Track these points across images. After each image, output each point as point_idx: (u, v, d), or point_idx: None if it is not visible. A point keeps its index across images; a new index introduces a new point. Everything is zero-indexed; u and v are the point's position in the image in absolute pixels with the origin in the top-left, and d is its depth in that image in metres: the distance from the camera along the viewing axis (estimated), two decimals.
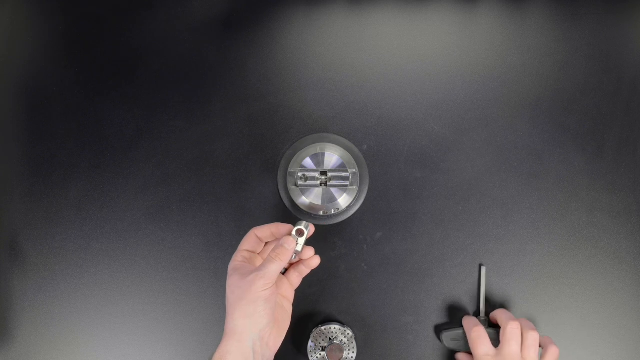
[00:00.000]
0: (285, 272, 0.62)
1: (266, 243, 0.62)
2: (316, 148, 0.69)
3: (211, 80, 0.72)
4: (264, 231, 0.61)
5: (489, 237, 0.70)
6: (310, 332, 0.67)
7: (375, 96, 0.72)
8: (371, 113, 0.71)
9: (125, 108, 0.71)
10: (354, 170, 0.68)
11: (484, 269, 0.69)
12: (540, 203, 0.70)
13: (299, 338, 0.69)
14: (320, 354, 0.67)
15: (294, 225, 0.59)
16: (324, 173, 0.68)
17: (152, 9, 0.73)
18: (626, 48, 0.73)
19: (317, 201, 0.67)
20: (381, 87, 0.72)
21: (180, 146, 0.71)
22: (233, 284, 0.56)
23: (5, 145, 0.70)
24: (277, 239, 0.60)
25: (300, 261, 0.61)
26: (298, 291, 0.62)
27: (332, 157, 0.68)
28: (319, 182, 0.67)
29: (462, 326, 0.67)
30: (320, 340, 0.67)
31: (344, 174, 0.67)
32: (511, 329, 0.62)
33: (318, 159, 0.68)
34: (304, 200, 0.68)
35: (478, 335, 0.63)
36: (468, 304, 0.69)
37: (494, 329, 0.65)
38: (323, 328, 0.67)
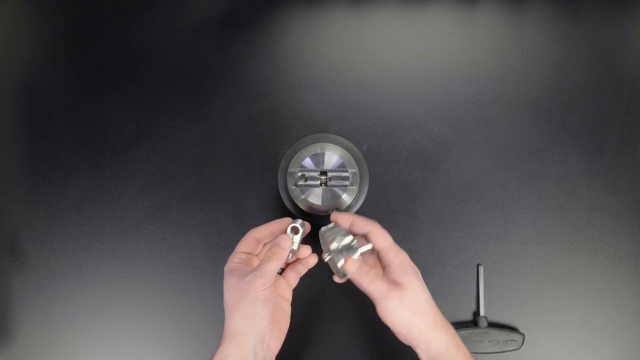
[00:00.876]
0: (282, 272, 0.62)
1: (265, 244, 0.62)
2: (316, 148, 0.69)
3: (211, 80, 0.72)
4: (263, 231, 0.60)
5: (489, 237, 0.70)
6: None
7: (375, 96, 0.72)
8: (371, 113, 0.71)
9: (125, 108, 0.71)
10: (354, 170, 0.68)
11: (481, 269, 0.69)
12: (540, 203, 0.70)
13: (301, 340, 0.69)
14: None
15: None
16: (324, 173, 0.68)
17: (152, 9, 0.73)
18: (626, 48, 0.73)
19: (317, 201, 0.67)
20: (381, 87, 0.72)
21: (180, 146, 0.71)
22: (231, 285, 0.56)
23: (5, 145, 0.70)
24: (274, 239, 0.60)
25: (297, 260, 0.60)
26: (298, 292, 0.62)
27: (332, 157, 0.68)
28: (319, 182, 0.67)
29: (462, 327, 0.67)
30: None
31: (344, 174, 0.67)
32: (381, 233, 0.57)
33: (318, 159, 0.68)
34: (304, 200, 0.68)
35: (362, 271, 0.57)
36: (468, 304, 0.69)
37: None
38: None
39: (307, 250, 0.60)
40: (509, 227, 0.70)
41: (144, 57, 0.72)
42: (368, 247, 0.56)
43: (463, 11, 0.74)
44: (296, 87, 0.72)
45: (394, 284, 0.55)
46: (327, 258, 0.58)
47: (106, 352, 0.68)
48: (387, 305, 0.54)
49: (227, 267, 0.58)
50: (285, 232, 0.59)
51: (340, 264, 0.55)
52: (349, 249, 0.55)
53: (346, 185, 0.67)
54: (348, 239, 0.56)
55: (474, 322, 0.68)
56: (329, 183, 0.67)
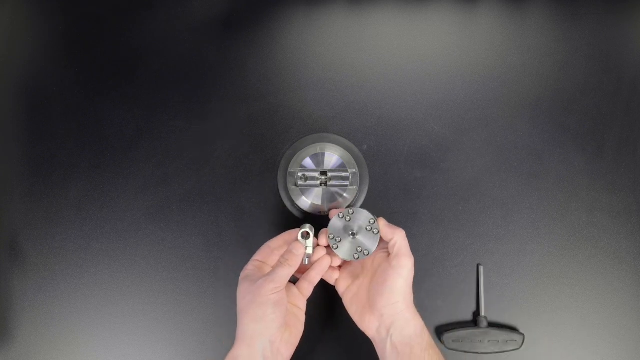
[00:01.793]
0: (296, 282, 0.62)
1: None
2: (316, 148, 0.69)
3: (211, 80, 0.72)
4: (277, 241, 0.62)
5: (489, 237, 0.70)
6: None
7: (375, 96, 0.72)
8: (371, 113, 0.71)
9: (125, 108, 0.71)
10: (354, 170, 0.68)
11: (481, 269, 0.69)
12: (540, 203, 0.70)
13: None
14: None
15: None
16: (324, 173, 0.68)
17: (152, 9, 0.73)
18: (626, 48, 0.73)
19: (317, 201, 0.67)
20: (381, 87, 0.72)
21: (180, 146, 0.71)
22: (244, 290, 0.57)
23: (5, 145, 0.70)
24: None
25: (310, 268, 0.61)
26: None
27: (332, 157, 0.68)
28: (319, 182, 0.67)
29: (462, 327, 0.67)
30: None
31: (344, 174, 0.68)
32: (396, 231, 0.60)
33: (318, 159, 0.68)
34: (304, 200, 0.68)
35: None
36: (468, 304, 0.69)
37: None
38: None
39: (322, 251, 0.61)
40: (509, 227, 0.70)
41: (144, 57, 0.72)
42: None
43: (463, 11, 0.74)
44: (296, 87, 0.72)
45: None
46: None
47: (106, 352, 0.68)
48: (399, 239, 0.58)
49: (242, 274, 0.59)
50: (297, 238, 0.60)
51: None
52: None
53: (346, 185, 0.67)
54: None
55: (474, 322, 0.68)
56: (329, 183, 0.67)
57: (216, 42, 0.73)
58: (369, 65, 0.72)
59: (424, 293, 0.69)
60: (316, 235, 0.61)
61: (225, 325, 0.68)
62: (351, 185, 0.68)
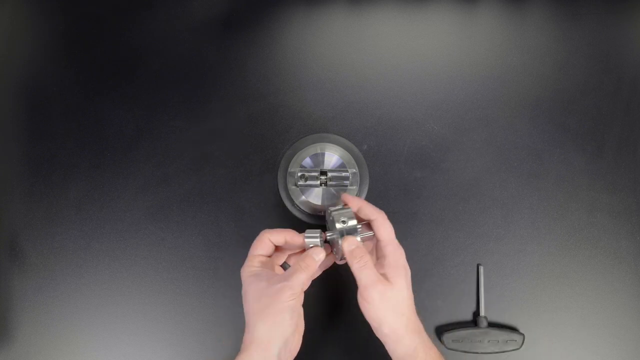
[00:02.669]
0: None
1: (276, 247, 0.61)
2: (316, 148, 0.69)
3: (211, 80, 0.72)
4: (277, 235, 0.59)
5: (489, 237, 0.70)
6: None
7: (375, 96, 0.72)
8: (371, 113, 0.71)
9: (125, 108, 0.71)
10: (354, 170, 0.68)
11: (481, 269, 0.69)
12: (540, 203, 0.70)
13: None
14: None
15: (306, 233, 0.59)
16: (324, 173, 0.68)
17: (152, 9, 0.73)
18: (626, 48, 0.73)
19: (317, 201, 0.67)
20: (381, 87, 0.72)
21: (180, 146, 0.71)
22: (257, 291, 0.55)
23: (5, 145, 0.70)
24: (288, 246, 0.60)
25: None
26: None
27: (332, 157, 0.68)
28: (319, 182, 0.67)
29: (462, 327, 0.67)
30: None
31: (344, 174, 0.68)
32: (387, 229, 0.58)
33: (318, 159, 0.68)
34: (304, 200, 0.68)
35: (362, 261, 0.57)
36: (468, 304, 0.69)
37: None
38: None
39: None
40: (509, 227, 0.70)
41: (144, 57, 0.72)
42: (369, 234, 0.58)
43: (463, 11, 0.74)
44: (296, 87, 0.72)
45: (383, 276, 0.55)
46: (329, 237, 0.59)
47: (106, 352, 0.68)
48: (368, 294, 0.54)
49: (246, 271, 0.57)
50: (301, 244, 0.59)
51: (340, 243, 0.57)
52: (351, 231, 0.57)
53: (346, 185, 0.67)
54: (353, 222, 0.57)
55: (474, 322, 0.68)
56: (329, 183, 0.67)
57: (216, 42, 0.73)
58: (369, 65, 0.72)
59: (424, 293, 0.69)
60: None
61: (225, 325, 0.68)
62: (351, 185, 0.68)
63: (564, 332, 0.69)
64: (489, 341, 0.67)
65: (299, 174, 0.67)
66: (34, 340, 0.68)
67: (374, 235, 0.58)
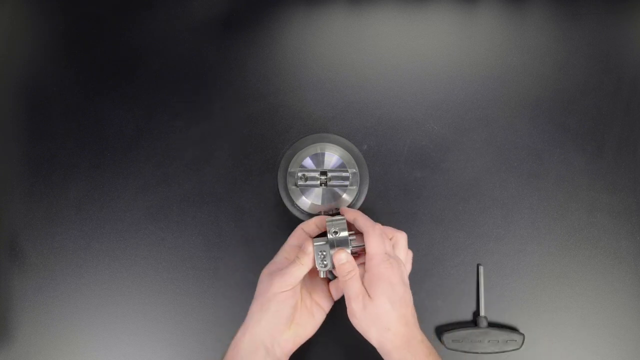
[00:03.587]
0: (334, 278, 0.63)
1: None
2: (316, 148, 0.69)
3: (211, 80, 0.72)
4: (309, 225, 0.62)
5: (489, 237, 0.70)
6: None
7: (375, 96, 0.72)
8: (371, 113, 0.71)
9: (125, 108, 0.71)
10: (354, 170, 0.68)
11: (481, 269, 0.69)
12: (540, 203, 0.70)
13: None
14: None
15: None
16: (324, 173, 0.68)
17: (152, 9, 0.73)
18: (626, 48, 0.73)
19: (317, 201, 0.67)
20: (381, 87, 0.72)
21: (180, 146, 0.71)
22: (262, 278, 0.59)
23: (5, 145, 0.70)
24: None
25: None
26: None
27: (332, 157, 0.68)
28: (319, 182, 0.67)
29: (462, 327, 0.67)
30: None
31: (344, 174, 0.68)
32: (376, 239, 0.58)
33: (318, 159, 0.68)
34: (304, 200, 0.68)
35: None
36: (468, 304, 0.69)
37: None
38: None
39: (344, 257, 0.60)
40: (509, 227, 0.70)
41: (144, 57, 0.72)
42: (361, 245, 0.59)
43: (463, 11, 0.74)
44: (296, 87, 0.72)
45: (367, 287, 0.56)
46: (320, 245, 0.59)
47: (106, 352, 0.68)
48: (351, 307, 0.56)
49: (275, 258, 0.61)
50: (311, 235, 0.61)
51: (331, 252, 0.58)
52: (342, 242, 0.58)
53: (346, 185, 0.67)
54: (345, 233, 0.58)
55: (474, 322, 0.68)
56: (329, 183, 0.67)
57: (216, 42, 0.73)
58: (369, 65, 0.72)
59: (424, 293, 0.69)
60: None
61: (225, 325, 0.68)
62: (351, 185, 0.68)
63: (564, 332, 0.69)
64: (489, 341, 0.67)
65: (299, 174, 0.67)
66: (34, 340, 0.68)
67: (364, 247, 0.58)
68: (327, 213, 0.66)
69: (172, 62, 0.72)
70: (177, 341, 0.68)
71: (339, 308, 0.67)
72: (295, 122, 0.71)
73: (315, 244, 0.58)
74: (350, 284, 0.56)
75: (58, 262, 0.69)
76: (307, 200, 0.67)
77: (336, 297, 0.62)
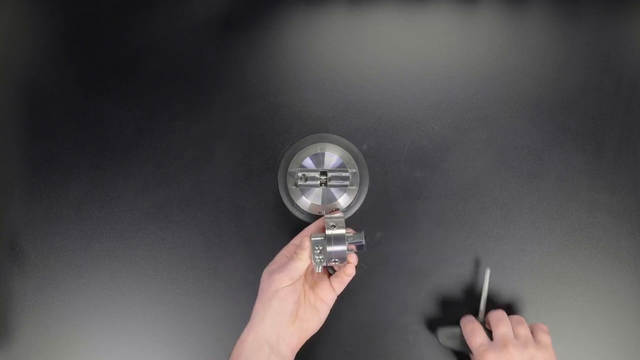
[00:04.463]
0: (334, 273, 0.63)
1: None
2: (316, 148, 0.69)
3: (211, 80, 0.72)
4: (312, 228, 0.63)
5: (489, 237, 0.70)
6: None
7: (375, 96, 0.72)
8: (371, 113, 0.71)
9: (125, 108, 0.71)
10: (354, 170, 0.68)
11: (488, 272, 0.68)
12: (540, 203, 0.70)
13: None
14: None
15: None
16: (324, 173, 0.68)
17: (152, 9, 0.73)
18: (626, 48, 0.73)
19: (317, 201, 0.67)
20: (381, 87, 0.72)
21: (180, 146, 0.71)
22: (264, 277, 0.60)
23: (5, 145, 0.70)
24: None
25: (340, 270, 0.62)
26: None
27: (332, 157, 0.68)
28: (319, 182, 0.67)
29: (458, 325, 0.67)
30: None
31: (344, 174, 0.67)
32: (496, 315, 0.63)
33: (318, 159, 0.68)
34: (304, 200, 0.68)
35: (473, 328, 0.63)
36: (468, 304, 0.69)
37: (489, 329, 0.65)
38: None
39: (354, 258, 0.62)
40: (509, 227, 0.70)
41: (144, 57, 0.72)
42: (357, 242, 0.59)
43: (463, 11, 0.74)
44: (296, 87, 0.72)
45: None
46: (318, 239, 0.59)
47: (106, 352, 0.68)
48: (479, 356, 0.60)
49: (275, 259, 0.62)
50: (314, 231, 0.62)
51: (328, 248, 0.58)
52: (339, 237, 0.58)
53: (346, 185, 0.67)
54: (342, 230, 0.59)
55: None
56: (329, 183, 0.67)
57: (216, 42, 0.73)
58: (369, 65, 0.72)
59: (424, 293, 0.69)
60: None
61: (225, 325, 0.68)
62: (351, 185, 0.68)
63: (564, 332, 0.69)
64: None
65: (299, 174, 0.67)
66: (34, 340, 0.68)
67: (363, 243, 0.59)
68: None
69: (172, 62, 0.72)
70: (177, 341, 0.68)
71: (338, 307, 0.67)
72: (295, 122, 0.71)
73: (312, 239, 0.59)
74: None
75: (58, 262, 0.69)
76: (307, 200, 0.67)
77: (338, 290, 0.62)
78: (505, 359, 0.58)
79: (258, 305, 0.58)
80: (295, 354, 0.59)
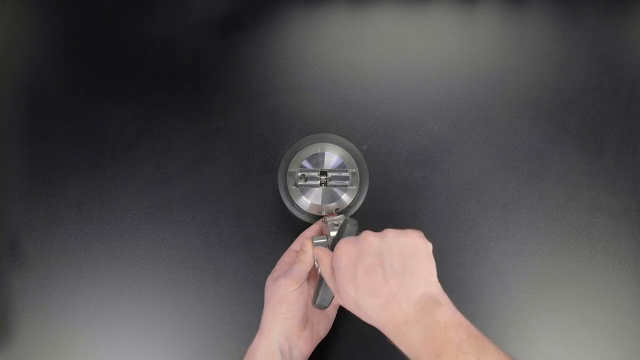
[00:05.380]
0: None
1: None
2: (316, 148, 0.69)
3: (211, 80, 0.72)
4: (311, 231, 0.63)
5: (489, 237, 0.70)
6: None
7: (375, 96, 0.72)
8: (371, 113, 0.71)
9: (125, 108, 0.71)
10: (354, 170, 0.68)
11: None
12: (540, 203, 0.70)
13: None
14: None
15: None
16: (324, 173, 0.68)
17: (152, 9, 0.73)
18: (626, 48, 0.73)
19: (317, 201, 0.67)
20: (381, 87, 0.72)
21: (180, 146, 0.71)
22: (268, 284, 0.59)
23: (5, 145, 0.71)
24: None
25: None
26: None
27: (332, 157, 0.68)
28: (319, 182, 0.67)
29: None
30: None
31: (344, 174, 0.67)
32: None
33: (318, 159, 0.68)
34: (304, 200, 0.68)
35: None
36: (468, 303, 0.69)
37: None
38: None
39: None
40: (509, 227, 0.70)
41: (144, 57, 0.72)
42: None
43: (463, 11, 0.74)
44: (296, 87, 0.72)
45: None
46: (319, 242, 0.59)
47: (106, 352, 0.68)
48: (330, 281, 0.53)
49: (276, 267, 0.61)
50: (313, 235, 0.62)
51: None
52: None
53: (346, 185, 0.67)
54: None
55: None
56: (329, 183, 0.67)
57: (216, 42, 0.73)
58: (369, 65, 0.72)
59: None
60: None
61: (225, 325, 0.68)
62: (351, 185, 0.68)
63: (564, 332, 0.69)
64: None
65: (299, 174, 0.67)
66: (34, 340, 0.68)
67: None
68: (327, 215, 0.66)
69: (172, 62, 0.72)
70: (177, 341, 0.68)
71: (341, 307, 0.67)
72: (295, 122, 0.71)
73: (314, 241, 0.59)
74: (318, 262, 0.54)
75: (58, 262, 0.69)
76: (307, 200, 0.67)
77: None
78: (359, 242, 0.50)
79: (267, 313, 0.57)
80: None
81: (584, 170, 0.71)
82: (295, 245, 0.62)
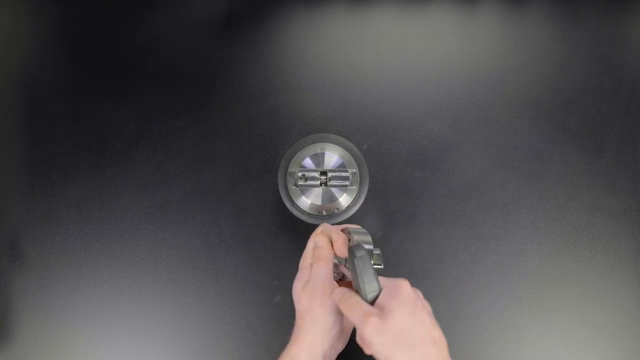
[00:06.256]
0: None
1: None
2: (316, 148, 0.69)
3: (211, 80, 0.72)
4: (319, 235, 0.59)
5: (489, 237, 0.70)
6: None
7: (375, 96, 0.72)
8: (371, 113, 0.71)
9: (125, 108, 0.71)
10: (354, 170, 0.68)
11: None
12: (540, 203, 0.70)
13: None
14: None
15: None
16: (324, 173, 0.68)
17: (152, 9, 0.73)
18: (626, 48, 0.73)
19: (317, 201, 0.67)
20: (381, 87, 0.72)
21: (180, 146, 0.71)
22: (302, 295, 0.55)
23: (5, 145, 0.71)
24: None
25: None
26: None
27: (332, 157, 0.68)
28: (319, 182, 0.67)
29: None
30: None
31: (344, 174, 0.68)
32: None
33: (318, 159, 0.68)
34: (304, 200, 0.68)
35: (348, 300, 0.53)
36: (468, 303, 0.69)
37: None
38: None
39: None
40: (509, 227, 0.70)
41: (144, 57, 0.72)
42: (378, 266, 0.55)
43: (463, 11, 0.74)
44: (296, 87, 0.72)
45: (378, 308, 0.49)
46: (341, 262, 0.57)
47: (106, 352, 0.68)
48: (363, 332, 0.48)
49: (302, 282, 0.57)
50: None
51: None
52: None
53: (346, 185, 0.67)
54: (369, 246, 0.55)
55: None
56: (329, 183, 0.67)
57: (216, 42, 0.73)
58: (369, 65, 0.72)
59: (424, 293, 0.69)
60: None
61: (225, 325, 0.68)
62: (351, 185, 0.68)
63: (564, 332, 0.69)
64: None
65: (299, 174, 0.67)
66: (34, 340, 0.68)
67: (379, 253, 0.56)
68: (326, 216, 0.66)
69: (172, 62, 0.72)
70: (177, 341, 0.68)
71: None
72: (295, 122, 0.71)
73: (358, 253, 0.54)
74: (354, 311, 0.49)
75: (58, 262, 0.69)
76: (307, 200, 0.67)
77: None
78: (399, 287, 0.49)
79: (308, 325, 0.54)
80: None
81: (584, 170, 0.71)
82: (312, 246, 0.58)
